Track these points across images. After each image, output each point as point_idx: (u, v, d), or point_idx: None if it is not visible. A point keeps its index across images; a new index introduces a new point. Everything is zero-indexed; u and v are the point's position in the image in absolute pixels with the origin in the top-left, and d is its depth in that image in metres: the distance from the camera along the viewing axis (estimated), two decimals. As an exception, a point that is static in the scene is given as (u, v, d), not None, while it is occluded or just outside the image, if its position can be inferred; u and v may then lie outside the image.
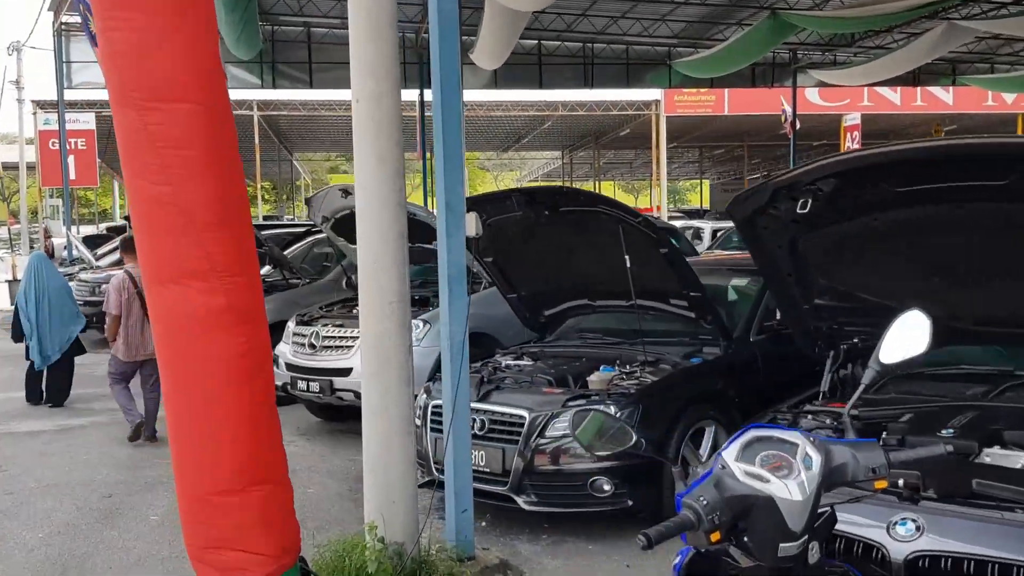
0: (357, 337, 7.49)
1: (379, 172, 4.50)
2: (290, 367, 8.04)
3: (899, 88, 35.44)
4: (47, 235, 27.15)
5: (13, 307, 10.85)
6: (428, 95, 25.58)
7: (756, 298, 5.89)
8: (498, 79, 24.08)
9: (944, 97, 35.98)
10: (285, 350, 8.21)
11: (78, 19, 20.91)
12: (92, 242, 22.25)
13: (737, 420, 5.33)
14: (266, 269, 11.25)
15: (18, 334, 10.13)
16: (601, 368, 5.43)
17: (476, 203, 5.93)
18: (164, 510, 6.09)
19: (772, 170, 59.23)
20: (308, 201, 8.35)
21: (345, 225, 8.55)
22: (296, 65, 22.89)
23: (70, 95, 22.62)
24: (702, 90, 34.55)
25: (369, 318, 4.61)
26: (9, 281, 22.05)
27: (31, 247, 29.69)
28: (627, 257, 5.33)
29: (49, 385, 9.98)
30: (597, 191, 52.25)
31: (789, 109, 26.52)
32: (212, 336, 3.12)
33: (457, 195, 4.73)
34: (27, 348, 9.97)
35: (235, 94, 39.30)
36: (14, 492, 6.61)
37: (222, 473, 3.27)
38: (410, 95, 36.54)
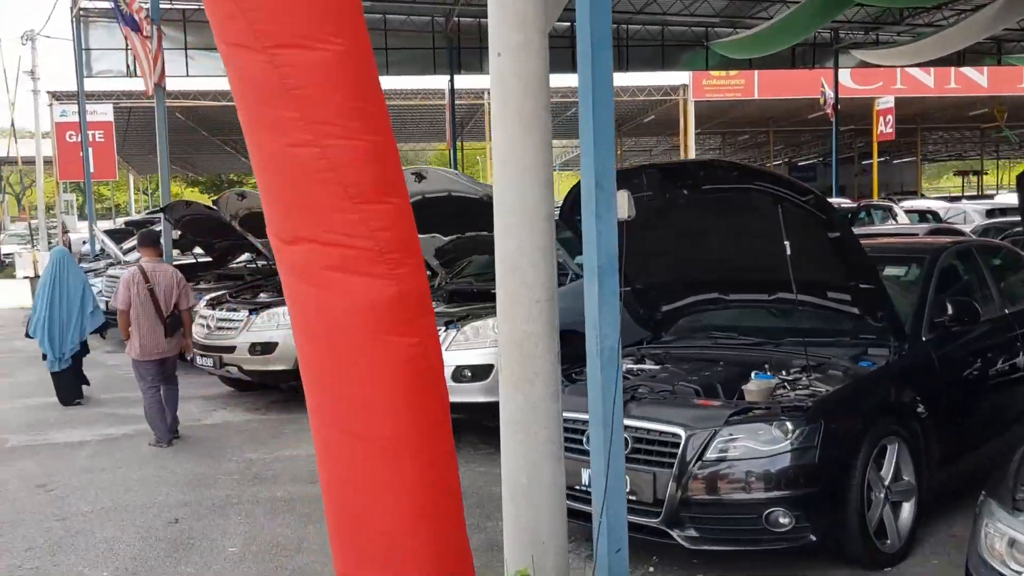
0: (436, 337, 6.78)
1: (524, 140, 3.72)
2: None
3: (932, 70, 34.51)
4: (64, 230, 26.50)
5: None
6: (465, 83, 24.64)
7: (922, 288, 5.08)
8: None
9: (978, 79, 34.98)
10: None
11: (99, 3, 20.20)
12: (111, 237, 21.56)
13: (920, 435, 4.56)
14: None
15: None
16: (754, 375, 4.64)
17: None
18: (242, 539, 5.34)
19: (794, 157, 58.35)
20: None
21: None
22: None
23: (86, 85, 21.86)
24: (732, 73, 33.73)
25: (510, 318, 3.85)
26: (31, 278, 21.36)
27: (50, 243, 29.05)
28: (787, 243, 4.54)
29: (58, 385, 9.60)
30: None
31: (830, 91, 25.60)
32: (380, 339, 2.36)
33: (608, 171, 3.94)
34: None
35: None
36: (67, 518, 5.88)
37: (393, 506, 2.52)
38: (438, 82, 35.88)
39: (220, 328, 9.13)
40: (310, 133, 2.25)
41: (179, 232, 13.32)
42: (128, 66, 21.40)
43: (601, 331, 3.94)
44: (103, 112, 28.53)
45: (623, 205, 3.98)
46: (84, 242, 23.68)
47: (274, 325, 8.82)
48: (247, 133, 2.44)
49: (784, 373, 4.72)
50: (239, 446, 7.62)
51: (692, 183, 4.80)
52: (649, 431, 4.34)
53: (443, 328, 6.84)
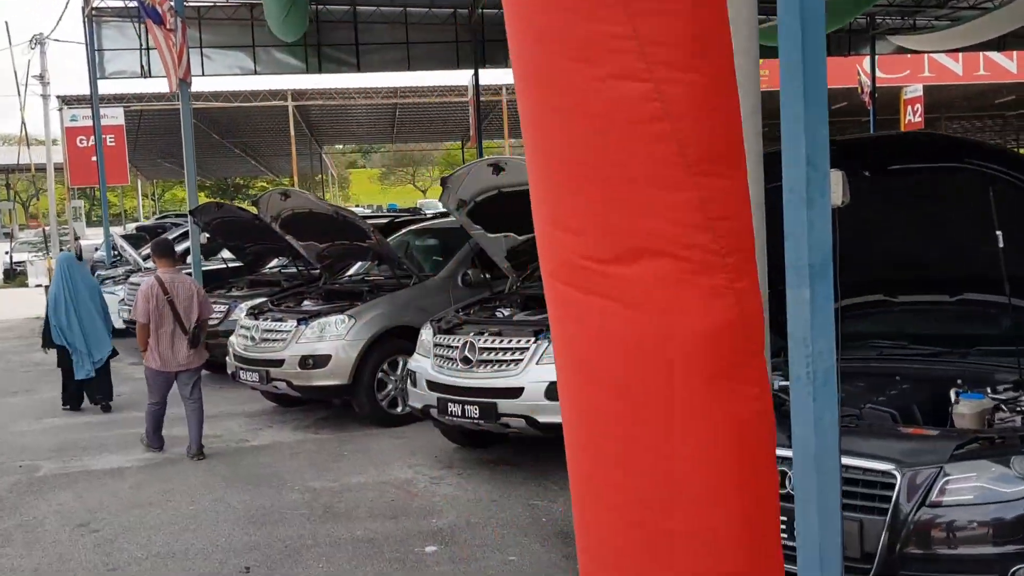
0: (524, 348, 5.98)
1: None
2: (434, 386, 6.49)
3: (960, 57, 33.67)
4: (76, 236, 25.76)
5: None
6: (485, 78, 23.64)
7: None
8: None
9: (1008, 65, 34.09)
10: (425, 365, 6.66)
11: (111, 2, 19.46)
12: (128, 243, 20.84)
13: None
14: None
15: (50, 342, 9.50)
16: (956, 393, 3.84)
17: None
18: (331, 594, 4.57)
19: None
20: (444, 181, 6.82)
21: (483, 211, 7.04)
22: (342, 48, 21.35)
23: (99, 87, 21.09)
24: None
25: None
26: (45, 286, 20.61)
27: (60, 249, 28.34)
28: (999, 233, 3.74)
29: (90, 389, 9.41)
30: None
31: (867, 79, 24.75)
32: (710, 387, 1.56)
33: (821, 145, 3.13)
34: (59, 356, 9.44)
35: (269, 83, 37.92)
36: (119, 567, 5.10)
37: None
38: (455, 78, 35.11)
39: (266, 340, 8.35)
40: (643, 61, 1.46)
41: (207, 236, 12.56)
42: (143, 66, 20.67)
43: (813, 348, 3.12)
44: (114, 116, 27.77)
45: (837, 189, 3.17)
46: (96, 248, 22.99)
47: (326, 336, 8.05)
48: (539, 73, 1.62)
49: (991, 391, 3.91)
50: (298, 472, 6.84)
51: (877, 164, 4.00)
52: (852, 468, 3.53)
53: (532, 339, 6.05)
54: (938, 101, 38.68)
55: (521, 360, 6.00)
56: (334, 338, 8.01)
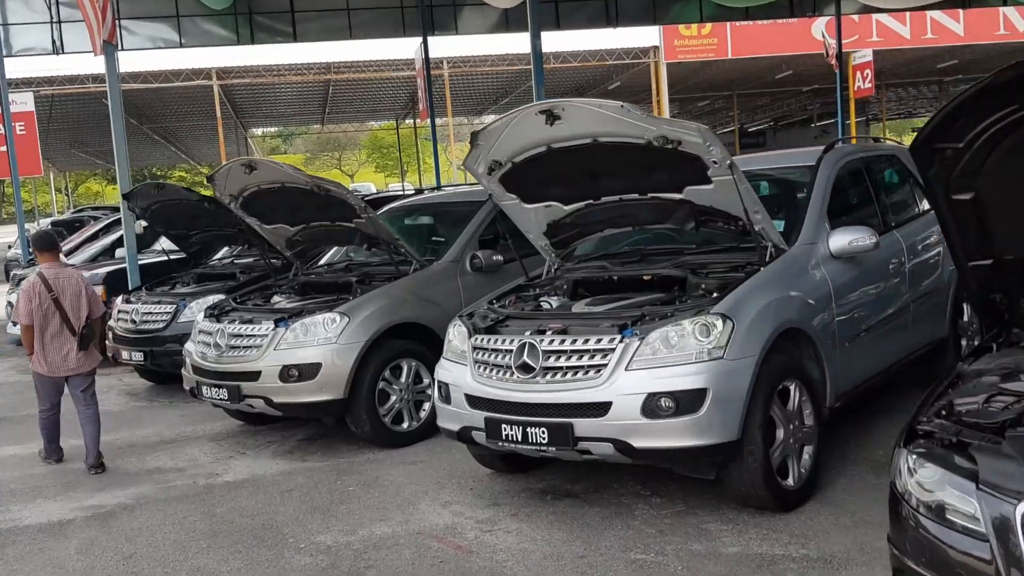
0: (608, 349, 4.54)
1: None
2: (479, 402, 4.96)
3: (908, 19, 33.10)
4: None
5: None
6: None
7: None
8: (509, 21, 20.93)
9: (955, 28, 33.62)
10: (461, 375, 5.12)
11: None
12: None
13: None
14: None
15: None
16: None
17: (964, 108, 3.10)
18: None
19: (747, 123, 56.85)
20: (474, 137, 5.31)
21: (521, 175, 5.54)
22: (277, 15, 19.50)
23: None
24: (705, 31, 31.87)
25: None
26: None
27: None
28: None
29: None
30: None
31: (832, 41, 23.76)
32: None
33: None
34: None
35: (192, 61, 35.48)
36: None
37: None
38: (405, 49, 33.07)
39: (234, 347, 6.72)
40: None
41: (145, 224, 10.80)
42: (55, 42, 18.50)
43: None
44: (23, 102, 25.33)
45: None
46: (10, 246, 20.86)
47: (313, 340, 6.46)
48: None
49: None
50: (298, 520, 5.29)
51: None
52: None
53: (616, 337, 4.58)
54: (881, 68, 38.22)
55: (605, 365, 4.53)
56: (323, 342, 6.43)
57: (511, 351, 4.86)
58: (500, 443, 4.85)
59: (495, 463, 5.71)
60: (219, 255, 10.84)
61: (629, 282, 5.55)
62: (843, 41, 32.78)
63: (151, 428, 7.86)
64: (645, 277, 5.47)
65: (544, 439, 4.63)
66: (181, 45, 19.43)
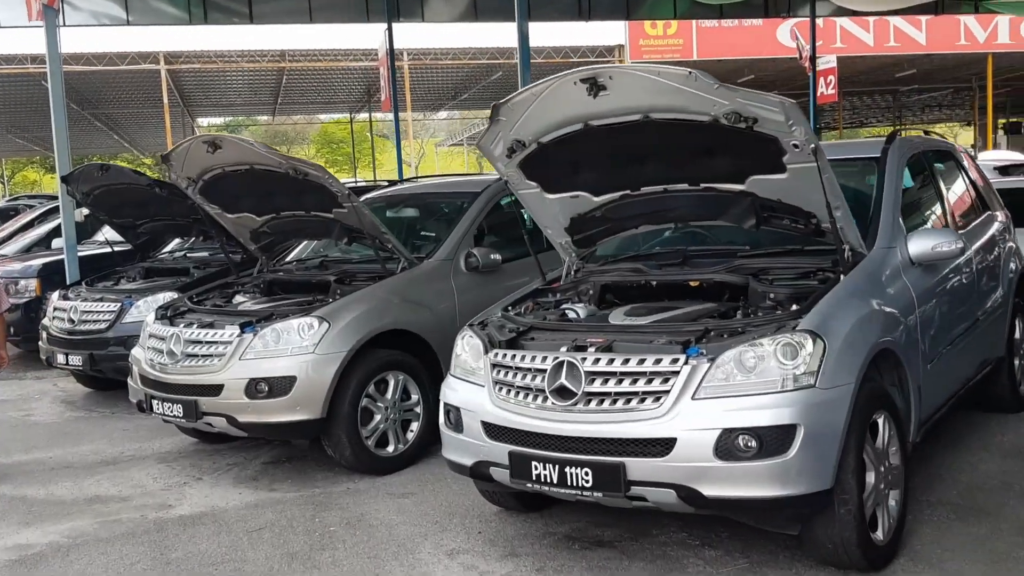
0: (669, 372, 3.69)
1: None
2: (502, 433, 4.07)
3: (872, 25, 32.91)
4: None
5: None
6: (374, 42, 20.94)
7: None
8: (478, 9, 20.02)
9: (918, 36, 33.53)
10: (477, 398, 4.21)
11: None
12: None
13: None
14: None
15: None
16: None
17: None
18: None
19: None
20: (496, 110, 4.41)
21: (547, 159, 4.64)
22: (232, -6, 18.39)
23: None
24: (670, 32, 31.32)
25: None
26: None
27: None
28: None
29: None
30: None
31: (804, 42, 23.23)
32: None
33: None
34: None
35: (139, 44, 33.86)
36: None
37: None
38: (368, 39, 31.86)
39: (192, 355, 5.73)
40: None
41: (86, 211, 9.70)
42: (-13, 10, 17.17)
43: None
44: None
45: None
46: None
47: (286, 348, 5.51)
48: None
49: None
50: (274, 574, 4.32)
51: None
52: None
53: (680, 357, 3.71)
54: (841, 75, 38.04)
55: (667, 392, 3.66)
56: (298, 351, 5.48)
57: (544, 371, 3.96)
58: (529, 484, 3.96)
59: (505, 500, 4.81)
60: (169, 247, 9.77)
61: (671, 289, 4.70)
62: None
63: (90, 445, 6.83)
64: (692, 283, 4.61)
65: (588, 482, 3.75)
66: (128, 23, 18.16)
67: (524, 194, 4.95)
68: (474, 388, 4.28)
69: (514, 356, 4.14)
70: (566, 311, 4.69)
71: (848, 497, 3.67)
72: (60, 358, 7.97)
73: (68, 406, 8.20)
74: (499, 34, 40.84)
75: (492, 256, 6.36)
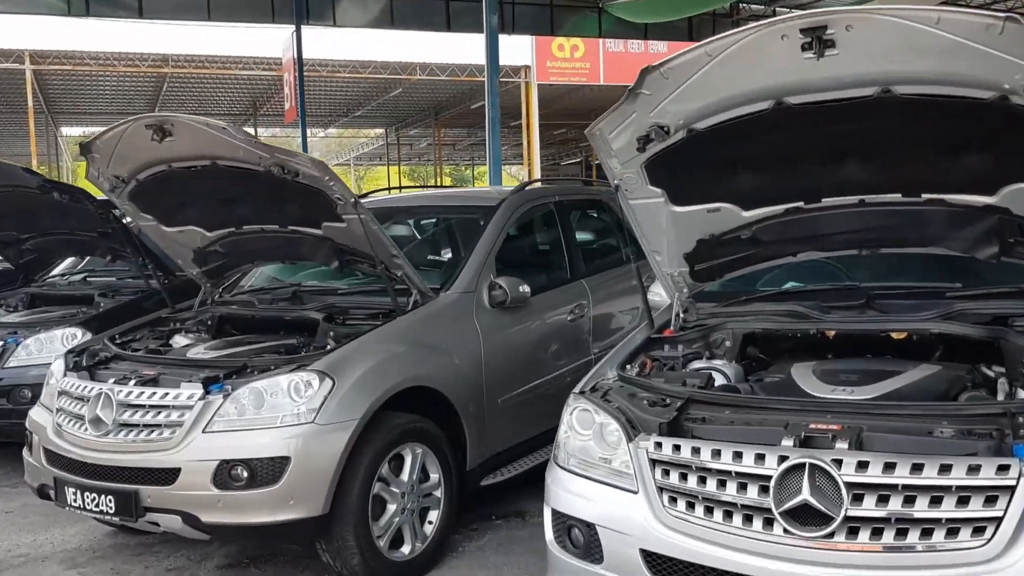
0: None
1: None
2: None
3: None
4: None
5: None
6: (271, 49, 19.24)
7: None
8: (394, 16, 18.58)
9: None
10: (640, 518, 2.75)
11: None
12: None
13: None
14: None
15: None
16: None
17: None
18: None
19: (591, 154, 56.23)
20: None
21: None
22: (120, -15, 16.42)
23: None
24: (578, 55, 30.52)
25: None
26: None
27: None
28: None
29: None
30: (438, 179, 46.44)
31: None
32: None
33: None
34: None
35: (2, 38, 30.67)
36: None
37: None
38: (260, 46, 29.70)
39: (129, 425, 4.01)
40: None
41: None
42: None
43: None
44: None
45: None
46: None
47: (273, 417, 3.87)
48: None
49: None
50: None
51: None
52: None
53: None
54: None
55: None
56: (292, 420, 3.86)
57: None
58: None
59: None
60: (58, 269, 7.87)
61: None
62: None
63: (-41, 540, 4.98)
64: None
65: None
66: (-6, 10, 15.97)
67: (639, 204, 3.53)
68: (617, 494, 2.82)
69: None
70: (711, 373, 3.29)
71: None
72: (-83, 413, 6.01)
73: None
74: (403, 48, 39.25)
75: (521, 288, 4.92)
